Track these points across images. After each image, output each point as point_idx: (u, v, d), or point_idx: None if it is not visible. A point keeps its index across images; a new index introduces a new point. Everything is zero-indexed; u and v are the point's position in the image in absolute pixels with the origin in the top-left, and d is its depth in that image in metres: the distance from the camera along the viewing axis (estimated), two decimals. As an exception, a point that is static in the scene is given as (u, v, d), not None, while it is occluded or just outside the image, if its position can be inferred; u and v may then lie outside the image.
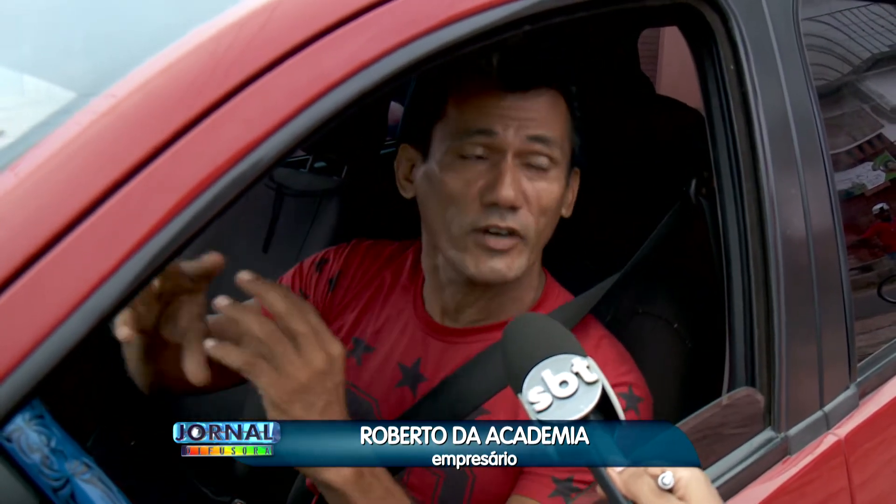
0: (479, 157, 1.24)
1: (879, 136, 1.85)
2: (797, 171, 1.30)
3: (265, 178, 0.84)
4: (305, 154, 2.31)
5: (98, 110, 0.80)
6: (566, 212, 1.33)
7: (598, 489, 0.89)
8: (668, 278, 1.55)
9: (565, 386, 0.89)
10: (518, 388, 0.91)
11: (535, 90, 1.24)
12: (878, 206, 1.80)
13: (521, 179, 1.24)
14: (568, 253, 1.57)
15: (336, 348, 1.07)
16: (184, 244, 0.80)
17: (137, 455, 2.18)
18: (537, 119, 1.24)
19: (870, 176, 1.79)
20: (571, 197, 1.34)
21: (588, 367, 0.90)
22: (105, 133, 0.79)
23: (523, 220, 1.24)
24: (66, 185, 0.77)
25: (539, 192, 1.25)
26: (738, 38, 1.23)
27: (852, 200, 1.73)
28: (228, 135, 0.81)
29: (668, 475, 0.87)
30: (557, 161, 1.26)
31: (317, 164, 2.31)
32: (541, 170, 1.25)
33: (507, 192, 1.21)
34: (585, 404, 0.88)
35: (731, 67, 1.24)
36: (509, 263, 1.25)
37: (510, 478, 1.27)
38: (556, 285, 1.39)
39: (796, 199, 1.30)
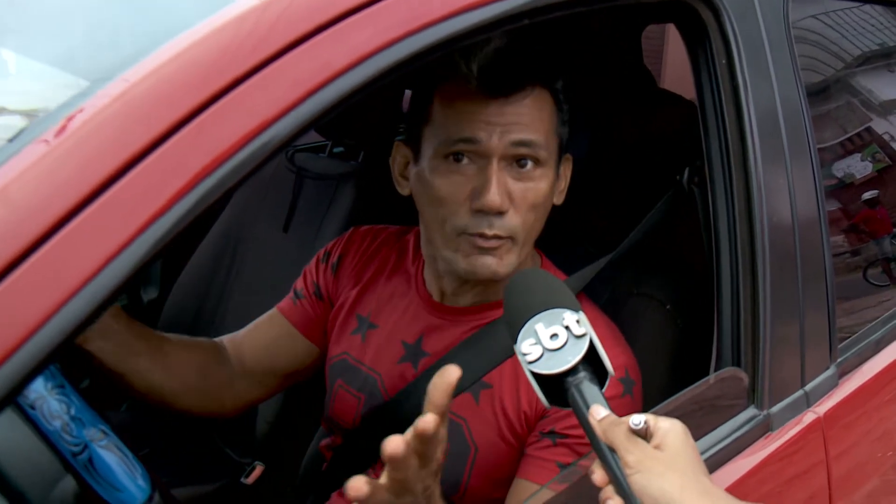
0: (466, 162, 1.21)
1: (868, 129, 1.82)
2: (784, 161, 1.28)
3: (271, 160, 0.82)
4: (325, 139, 2.30)
5: (112, 93, 0.79)
6: (558, 200, 1.29)
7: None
8: (662, 262, 1.53)
9: (556, 339, 0.89)
10: (514, 340, 0.92)
11: (516, 94, 1.20)
12: (865, 195, 1.77)
13: (508, 182, 1.20)
14: (571, 238, 1.55)
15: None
16: (201, 215, 0.78)
17: (168, 419, 2.18)
18: (520, 123, 1.20)
19: (858, 166, 1.77)
20: (563, 184, 1.31)
21: (578, 321, 0.90)
22: (121, 113, 0.78)
23: (510, 223, 1.21)
24: (92, 155, 0.76)
25: (526, 193, 1.21)
26: (730, 34, 1.21)
27: (842, 189, 1.70)
28: (237, 122, 0.80)
29: (639, 417, 0.86)
30: (543, 160, 1.22)
31: (335, 150, 2.30)
32: (527, 170, 1.21)
33: (493, 198, 1.18)
34: (573, 356, 0.88)
35: (723, 62, 1.22)
36: (499, 261, 1.22)
37: (510, 452, 1.25)
38: (551, 266, 1.37)
39: (783, 188, 1.27)
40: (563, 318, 0.90)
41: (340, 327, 1.44)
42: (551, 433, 1.20)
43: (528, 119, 1.20)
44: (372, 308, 1.40)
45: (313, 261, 1.51)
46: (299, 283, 1.50)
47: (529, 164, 1.21)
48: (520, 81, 1.20)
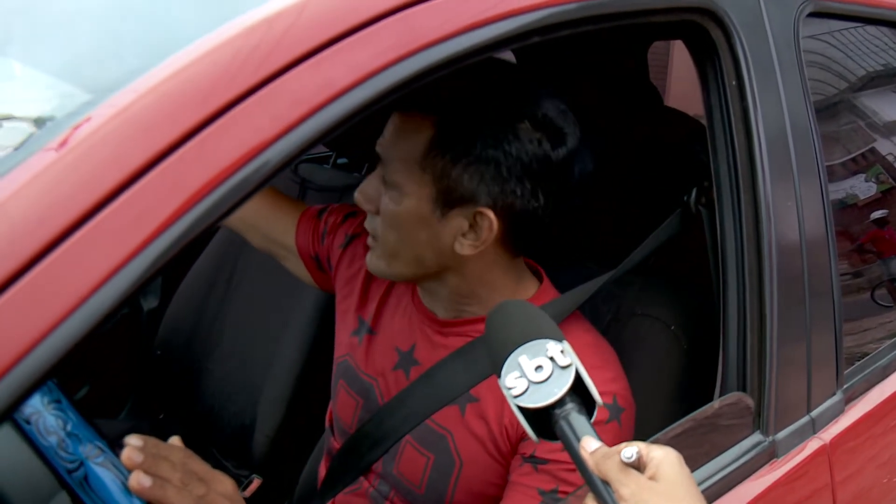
0: None
1: (872, 150, 1.82)
2: (793, 183, 1.26)
3: (273, 179, 0.81)
4: (329, 151, 2.29)
5: (117, 104, 0.77)
6: (460, 248, 1.19)
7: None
8: (667, 282, 1.51)
9: (540, 370, 0.86)
10: (498, 374, 0.89)
11: (399, 111, 1.20)
12: (873, 215, 1.76)
13: (380, 187, 1.23)
14: (574, 256, 1.54)
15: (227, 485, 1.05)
16: (201, 233, 0.77)
17: (166, 427, 2.17)
18: (385, 136, 1.22)
19: (863, 187, 1.76)
20: (476, 239, 1.19)
21: (562, 352, 0.87)
22: (122, 127, 0.76)
23: (375, 224, 1.25)
24: (92, 170, 0.74)
25: (382, 205, 1.22)
26: (740, 54, 1.19)
27: (849, 209, 1.69)
28: (237, 138, 0.78)
29: (630, 449, 0.83)
30: (394, 184, 1.19)
31: (339, 161, 2.29)
32: (388, 185, 1.21)
33: (356, 191, 1.24)
34: (559, 388, 0.85)
35: (733, 83, 1.20)
36: (370, 258, 1.27)
37: (496, 469, 1.24)
38: (552, 291, 1.32)
39: (792, 210, 1.26)
40: (547, 349, 0.87)
41: (342, 320, 1.45)
42: (532, 458, 1.18)
43: (390, 135, 1.22)
44: (372, 312, 1.41)
45: (333, 208, 1.54)
46: (330, 216, 1.54)
47: (389, 179, 1.21)
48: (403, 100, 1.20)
